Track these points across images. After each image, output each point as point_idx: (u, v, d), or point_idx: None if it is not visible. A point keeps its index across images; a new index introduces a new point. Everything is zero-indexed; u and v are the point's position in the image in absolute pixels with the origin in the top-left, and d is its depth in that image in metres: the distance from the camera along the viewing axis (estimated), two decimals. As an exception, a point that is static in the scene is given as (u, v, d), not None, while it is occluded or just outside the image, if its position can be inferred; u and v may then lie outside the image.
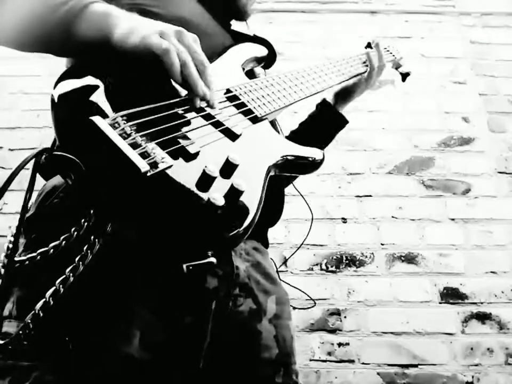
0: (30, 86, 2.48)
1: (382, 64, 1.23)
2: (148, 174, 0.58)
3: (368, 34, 2.58)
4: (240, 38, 1.05)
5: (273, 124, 0.96)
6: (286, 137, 1.20)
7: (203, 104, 0.74)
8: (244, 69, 0.95)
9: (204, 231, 0.58)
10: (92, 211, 0.62)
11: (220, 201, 0.59)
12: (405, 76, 1.37)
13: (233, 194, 0.62)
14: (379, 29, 2.68)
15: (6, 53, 2.55)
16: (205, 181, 0.62)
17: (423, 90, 2.51)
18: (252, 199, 0.64)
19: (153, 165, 0.59)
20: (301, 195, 1.12)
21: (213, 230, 0.59)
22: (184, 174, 0.62)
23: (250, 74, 1.02)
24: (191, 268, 0.59)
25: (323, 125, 1.24)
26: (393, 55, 1.36)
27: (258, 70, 1.08)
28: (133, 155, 0.58)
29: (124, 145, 0.59)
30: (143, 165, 0.57)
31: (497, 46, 2.63)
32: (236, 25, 1.12)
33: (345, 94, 1.25)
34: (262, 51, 1.02)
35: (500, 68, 2.57)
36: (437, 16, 2.73)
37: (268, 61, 1.05)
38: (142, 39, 0.68)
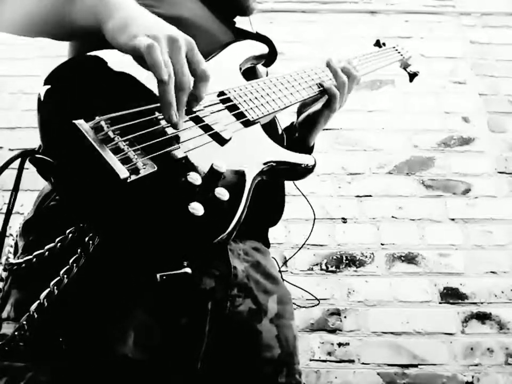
0: (30, 86, 2.48)
1: (340, 81, 1.01)
2: (128, 181, 0.56)
3: (368, 34, 2.58)
4: (243, 35, 1.02)
5: (272, 122, 0.95)
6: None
7: (195, 108, 0.71)
8: (241, 68, 0.93)
9: (179, 241, 0.57)
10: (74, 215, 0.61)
11: (199, 212, 0.58)
12: (412, 76, 1.35)
13: (214, 204, 0.61)
14: (379, 29, 2.68)
15: (6, 53, 2.56)
16: (187, 189, 0.60)
17: (423, 90, 2.50)
18: (234, 209, 0.63)
19: (134, 171, 0.58)
20: (303, 195, 1.11)
21: (189, 241, 0.58)
22: (166, 180, 0.61)
23: (251, 72, 1.00)
24: (164, 277, 0.58)
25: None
26: (401, 55, 1.34)
27: (260, 68, 1.06)
28: (113, 160, 0.57)
29: (104, 150, 0.58)
30: (122, 171, 0.56)
31: (497, 46, 2.63)
32: (240, 22, 1.11)
33: (309, 124, 1.06)
34: (262, 49, 1.00)
35: (500, 68, 2.56)
36: (437, 16, 2.73)
37: (269, 59, 1.02)
38: (129, 40, 0.65)
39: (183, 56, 0.65)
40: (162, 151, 0.63)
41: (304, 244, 1.30)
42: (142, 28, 0.66)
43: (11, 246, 0.73)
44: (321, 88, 1.00)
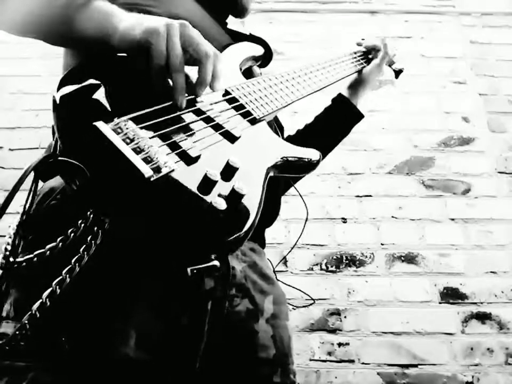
0: (30, 86, 2.48)
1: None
2: (152, 179, 0.58)
3: (368, 35, 2.58)
4: (237, 37, 1.05)
5: (271, 124, 0.96)
6: (294, 135, 1.22)
7: (204, 108, 0.74)
8: (241, 68, 0.95)
9: (207, 235, 0.59)
10: (90, 213, 0.62)
11: (222, 205, 0.60)
12: (398, 73, 1.39)
13: (235, 197, 0.63)
14: (379, 29, 2.68)
15: (6, 53, 2.56)
16: (207, 185, 0.62)
17: (423, 90, 2.50)
18: (253, 201, 0.65)
19: (156, 169, 0.59)
20: (297, 191, 1.12)
21: (216, 234, 0.60)
22: (186, 178, 0.63)
23: (248, 73, 1.02)
24: (195, 271, 0.59)
25: (338, 119, 1.23)
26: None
27: (256, 69, 1.08)
28: (137, 160, 0.59)
29: (127, 150, 0.59)
30: (146, 170, 0.58)
31: (497, 46, 2.63)
32: (232, 23, 1.12)
33: (357, 85, 1.24)
34: (259, 50, 1.03)
35: (500, 68, 2.56)
36: (437, 16, 2.73)
37: (264, 60, 1.05)
38: (145, 29, 0.68)
39: (176, 40, 0.69)
40: (180, 150, 0.65)
41: (297, 241, 1.30)
42: (156, 20, 0.70)
43: (8, 244, 0.73)
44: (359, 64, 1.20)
